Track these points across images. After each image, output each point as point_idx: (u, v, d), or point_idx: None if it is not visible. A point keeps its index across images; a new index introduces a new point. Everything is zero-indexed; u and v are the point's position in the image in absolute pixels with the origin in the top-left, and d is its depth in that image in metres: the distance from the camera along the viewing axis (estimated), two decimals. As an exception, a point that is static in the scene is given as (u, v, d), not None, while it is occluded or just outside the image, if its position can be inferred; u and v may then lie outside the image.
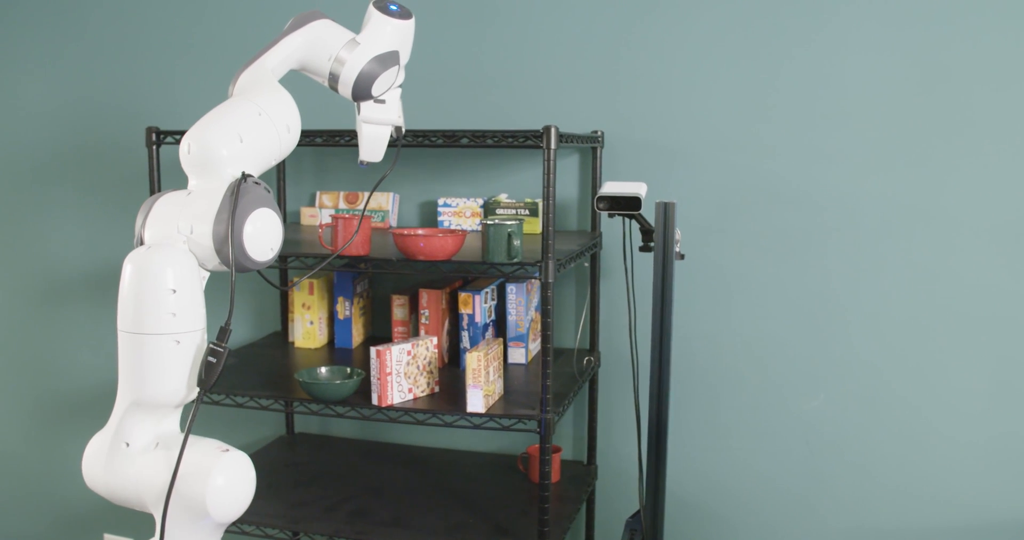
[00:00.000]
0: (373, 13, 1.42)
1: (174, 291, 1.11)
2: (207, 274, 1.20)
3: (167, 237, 1.15)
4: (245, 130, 1.22)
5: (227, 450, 1.14)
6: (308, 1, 2.50)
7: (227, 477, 1.12)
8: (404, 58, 1.47)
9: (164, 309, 1.11)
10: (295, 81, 2.52)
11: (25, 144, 2.84)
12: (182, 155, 1.20)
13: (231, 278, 1.14)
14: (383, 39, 1.41)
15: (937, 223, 2.13)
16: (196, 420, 2.79)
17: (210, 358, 1.13)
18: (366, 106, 1.52)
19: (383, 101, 1.52)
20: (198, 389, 1.15)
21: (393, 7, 1.43)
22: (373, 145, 1.57)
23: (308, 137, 1.96)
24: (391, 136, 1.60)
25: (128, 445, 1.13)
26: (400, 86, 1.53)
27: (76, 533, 3.00)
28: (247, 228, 1.14)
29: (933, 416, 2.19)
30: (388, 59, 1.42)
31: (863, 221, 2.17)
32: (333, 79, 1.42)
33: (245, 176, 1.17)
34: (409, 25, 1.44)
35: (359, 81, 1.41)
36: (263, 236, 1.16)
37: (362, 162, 1.60)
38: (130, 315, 1.11)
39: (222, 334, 1.15)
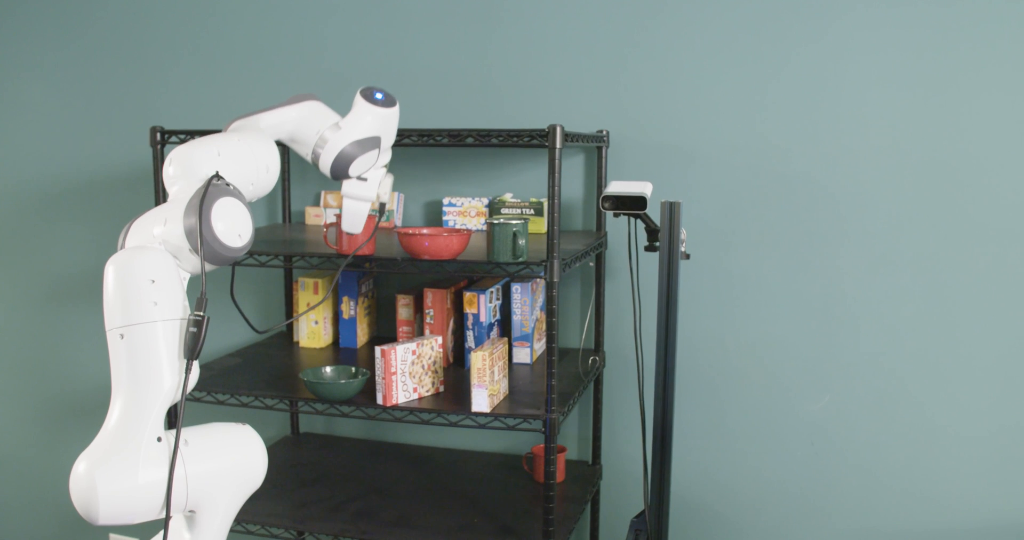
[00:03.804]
0: (358, 100, 1.51)
1: (153, 281, 1.17)
2: (187, 275, 1.26)
3: (144, 242, 1.22)
4: (224, 148, 1.32)
5: (244, 424, 1.29)
6: (311, 3, 2.50)
7: (261, 443, 1.28)
8: (388, 142, 1.56)
9: (147, 298, 1.16)
10: (304, 77, 2.52)
11: (28, 145, 2.84)
12: (165, 172, 1.29)
13: (199, 249, 1.19)
14: (363, 125, 1.51)
15: (946, 225, 2.12)
16: (200, 419, 2.79)
17: (192, 329, 1.19)
18: (348, 182, 1.60)
19: (365, 179, 1.60)
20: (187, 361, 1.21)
21: (378, 96, 1.52)
22: (352, 218, 1.66)
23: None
24: (374, 210, 1.67)
25: (160, 439, 1.16)
26: (386, 165, 1.62)
27: (82, 535, 3.00)
28: (215, 211, 1.21)
29: (940, 417, 2.18)
30: (368, 143, 1.51)
31: (869, 222, 2.17)
32: (315, 157, 1.51)
33: (217, 176, 1.25)
34: (392, 113, 1.52)
35: (337, 162, 1.50)
36: (230, 220, 1.23)
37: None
38: (118, 311, 1.16)
39: (200, 303, 1.20)
